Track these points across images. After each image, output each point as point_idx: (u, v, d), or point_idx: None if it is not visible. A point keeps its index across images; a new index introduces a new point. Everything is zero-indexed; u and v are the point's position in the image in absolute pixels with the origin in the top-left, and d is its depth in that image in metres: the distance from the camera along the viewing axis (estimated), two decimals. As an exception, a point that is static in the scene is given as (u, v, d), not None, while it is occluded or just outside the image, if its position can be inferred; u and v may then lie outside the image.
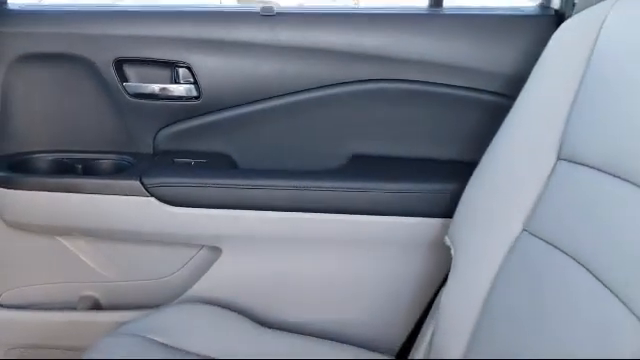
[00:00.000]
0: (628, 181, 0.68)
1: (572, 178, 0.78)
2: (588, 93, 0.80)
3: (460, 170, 1.06)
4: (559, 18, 1.11)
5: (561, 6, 1.13)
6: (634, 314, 0.61)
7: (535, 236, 0.82)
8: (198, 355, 1.00)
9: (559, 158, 0.82)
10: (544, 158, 0.84)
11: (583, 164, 0.77)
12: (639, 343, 0.60)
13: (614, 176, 0.70)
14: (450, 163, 1.19)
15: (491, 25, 1.15)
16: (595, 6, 0.87)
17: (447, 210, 1.07)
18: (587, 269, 0.69)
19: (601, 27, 0.82)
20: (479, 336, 0.86)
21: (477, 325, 0.86)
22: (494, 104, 1.13)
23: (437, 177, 1.14)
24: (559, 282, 0.73)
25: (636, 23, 0.77)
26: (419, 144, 1.20)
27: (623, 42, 0.78)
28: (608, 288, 0.65)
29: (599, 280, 0.67)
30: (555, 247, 0.76)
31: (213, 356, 1.00)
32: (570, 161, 0.80)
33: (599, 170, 0.73)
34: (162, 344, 1.01)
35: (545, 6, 1.20)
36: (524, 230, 0.85)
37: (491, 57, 1.13)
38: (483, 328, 0.85)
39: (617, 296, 0.64)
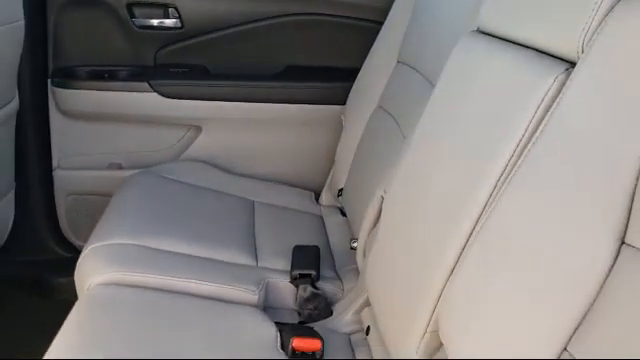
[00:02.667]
0: None
1: None
2: None
3: (343, 73, 1.73)
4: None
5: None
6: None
7: None
8: (192, 184, 1.69)
9: None
10: None
11: None
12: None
13: None
14: (338, 68, 1.85)
15: None
16: None
17: (338, 100, 1.75)
18: None
19: None
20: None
21: None
22: (365, 27, 1.78)
23: (332, 78, 1.81)
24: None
25: None
26: (321, 57, 1.86)
27: None
28: None
29: None
30: None
31: (202, 184, 1.68)
32: None
33: None
34: (168, 178, 1.70)
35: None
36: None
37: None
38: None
39: None
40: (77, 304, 1.15)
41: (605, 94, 0.67)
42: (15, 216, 1.84)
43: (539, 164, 0.72)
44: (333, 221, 1.65)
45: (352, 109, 1.73)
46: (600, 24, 0.71)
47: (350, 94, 1.76)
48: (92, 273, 1.22)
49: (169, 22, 1.84)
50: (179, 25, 1.84)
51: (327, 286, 1.33)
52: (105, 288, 1.17)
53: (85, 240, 1.40)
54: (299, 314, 1.28)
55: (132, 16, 1.83)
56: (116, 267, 1.22)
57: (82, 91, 1.83)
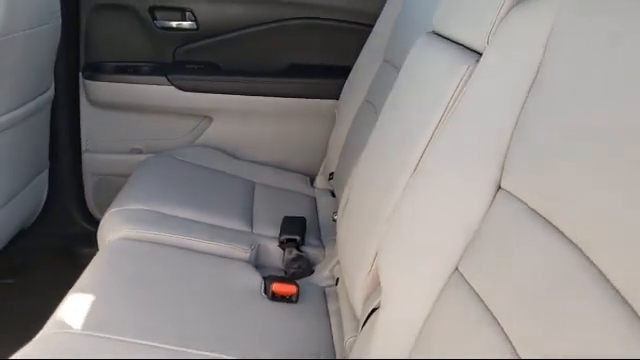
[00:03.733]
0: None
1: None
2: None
3: (338, 70, 1.96)
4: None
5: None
6: None
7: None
8: (201, 166, 1.92)
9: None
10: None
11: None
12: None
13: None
14: (333, 67, 2.08)
15: None
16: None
17: (333, 94, 1.98)
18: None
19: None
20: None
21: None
22: (358, 30, 2.00)
23: (327, 75, 2.04)
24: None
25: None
26: (318, 56, 2.09)
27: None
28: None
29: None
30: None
31: (210, 167, 1.92)
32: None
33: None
34: (181, 160, 1.94)
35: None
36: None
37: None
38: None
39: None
40: (98, 254, 1.39)
41: (496, 78, 0.89)
42: (48, 192, 2.09)
43: (448, 133, 0.94)
44: (324, 200, 1.88)
45: (343, 103, 1.95)
46: (501, 22, 0.93)
47: (343, 90, 1.99)
48: (111, 231, 1.47)
49: (186, 24, 2.09)
50: (195, 27, 2.09)
51: (310, 250, 1.56)
52: (122, 242, 1.42)
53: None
54: (285, 272, 1.50)
55: (154, 18, 2.08)
56: (132, 226, 1.46)
57: (109, 83, 2.08)
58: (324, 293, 1.40)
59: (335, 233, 1.59)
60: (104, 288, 1.24)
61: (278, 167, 2.09)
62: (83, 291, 1.22)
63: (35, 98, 1.84)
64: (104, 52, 2.12)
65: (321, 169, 2.04)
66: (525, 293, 0.67)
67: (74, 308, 1.15)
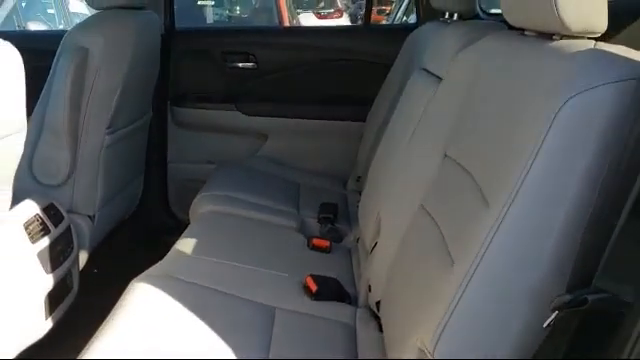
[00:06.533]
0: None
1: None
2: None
3: (366, 99, 2.57)
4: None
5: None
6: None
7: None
8: (258, 171, 2.55)
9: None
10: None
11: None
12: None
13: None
14: (362, 97, 2.69)
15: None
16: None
17: (362, 118, 2.59)
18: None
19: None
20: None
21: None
22: (382, 66, 2.61)
23: (358, 102, 2.66)
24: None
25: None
26: (350, 88, 2.72)
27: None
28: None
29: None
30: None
31: (265, 172, 2.55)
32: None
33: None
34: (245, 168, 2.56)
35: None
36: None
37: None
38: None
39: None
40: (192, 223, 2.01)
41: (443, 97, 1.49)
42: (142, 193, 2.74)
43: (420, 128, 1.54)
44: (352, 196, 2.47)
45: (369, 124, 2.55)
46: (452, 59, 1.52)
47: (369, 114, 2.59)
48: (200, 208, 2.09)
49: (249, 65, 2.75)
50: (255, 67, 2.75)
51: (340, 227, 2.15)
52: (210, 214, 2.04)
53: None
54: (322, 240, 2.09)
55: (224, 60, 2.75)
56: (215, 205, 2.09)
57: (190, 109, 2.76)
58: (349, 251, 1.98)
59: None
60: (200, 244, 1.84)
61: (318, 173, 2.70)
62: (185, 244, 1.82)
63: (139, 119, 2.50)
64: (187, 85, 2.79)
65: (352, 175, 2.64)
66: (447, 199, 1.25)
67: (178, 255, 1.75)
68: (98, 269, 2.35)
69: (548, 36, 1.07)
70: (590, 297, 0.81)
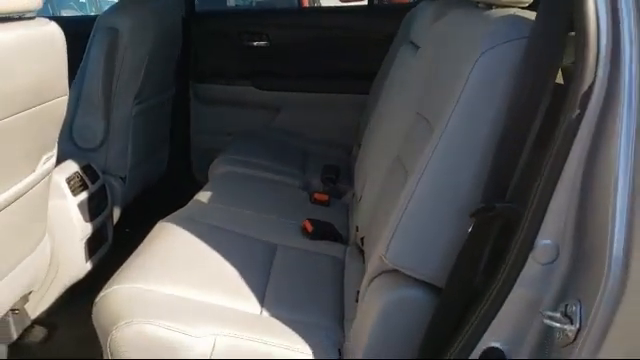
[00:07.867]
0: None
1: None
2: None
3: (370, 73, 2.81)
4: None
5: None
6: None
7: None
8: (272, 139, 2.82)
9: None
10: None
11: None
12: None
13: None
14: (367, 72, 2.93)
15: None
16: None
17: (365, 90, 2.83)
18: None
19: None
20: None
21: None
22: (381, 43, 2.85)
23: (362, 77, 2.90)
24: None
25: None
26: (356, 63, 2.96)
27: None
28: None
29: None
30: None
31: (278, 139, 2.82)
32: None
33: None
34: (261, 137, 2.84)
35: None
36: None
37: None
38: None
39: None
40: (211, 180, 2.30)
41: (417, 64, 1.73)
42: (168, 162, 3.04)
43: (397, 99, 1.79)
44: (355, 161, 2.72)
45: (370, 96, 2.80)
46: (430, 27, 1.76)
47: (371, 88, 2.83)
48: (218, 168, 2.38)
49: (263, 43, 3.02)
50: (269, 45, 3.01)
51: (341, 186, 2.41)
52: (226, 174, 2.33)
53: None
54: (324, 197, 2.36)
55: (241, 40, 3.02)
56: (232, 166, 2.38)
57: (210, 85, 3.04)
58: (347, 206, 2.24)
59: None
60: (216, 196, 2.12)
61: (325, 142, 2.96)
62: (204, 196, 2.11)
63: (163, 92, 2.78)
64: (207, 64, 3.07)
65: (355, 143, 2.89)
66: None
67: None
68: (130, 228, 2.65)
69: (489, 6, 1.31)
70: (498, 205, 1.06)
